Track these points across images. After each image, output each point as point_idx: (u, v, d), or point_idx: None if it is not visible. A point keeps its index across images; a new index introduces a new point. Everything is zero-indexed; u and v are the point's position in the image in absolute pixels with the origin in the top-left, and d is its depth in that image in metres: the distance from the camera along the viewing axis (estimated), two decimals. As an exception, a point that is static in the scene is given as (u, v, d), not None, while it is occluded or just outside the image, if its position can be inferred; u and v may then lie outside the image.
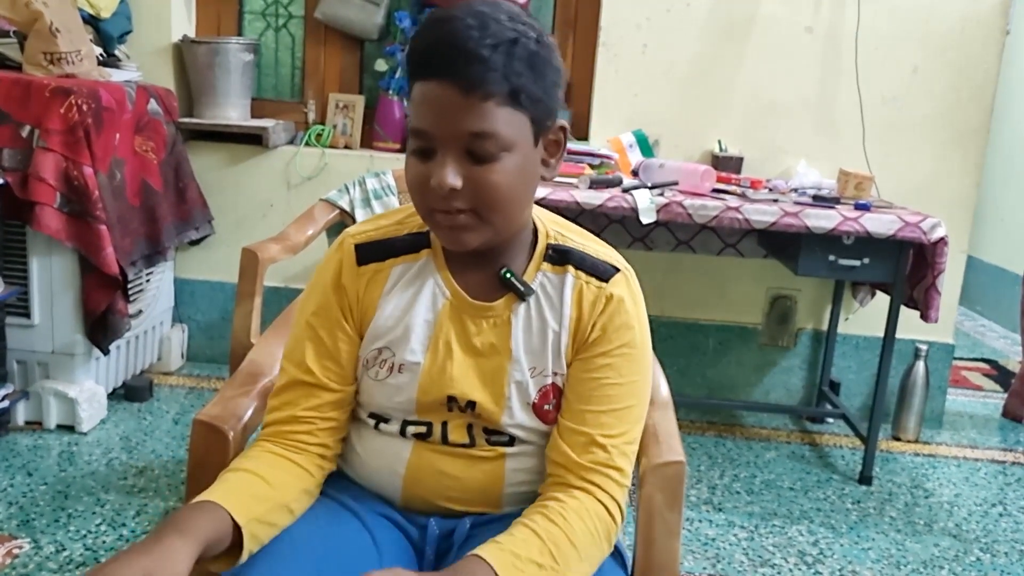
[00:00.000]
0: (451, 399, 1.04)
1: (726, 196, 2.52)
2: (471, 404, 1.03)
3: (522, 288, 1.03)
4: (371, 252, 1.05)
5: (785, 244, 2.63)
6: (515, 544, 0.90)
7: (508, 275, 1.03)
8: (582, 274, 1.04)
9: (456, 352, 1.03)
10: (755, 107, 2.97)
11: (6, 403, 2.46)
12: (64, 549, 1.97)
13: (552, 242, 1.06)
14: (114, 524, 2.09)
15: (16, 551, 1.95)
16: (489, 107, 0.90)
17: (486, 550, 0.88)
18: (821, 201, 2.51)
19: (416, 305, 1.04)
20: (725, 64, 2.95)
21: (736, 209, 2.41)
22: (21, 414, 2.57)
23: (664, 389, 1.24)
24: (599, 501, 0.98)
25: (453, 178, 0.91)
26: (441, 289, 1.04)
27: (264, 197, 3.09)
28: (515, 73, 0.90)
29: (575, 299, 1.03)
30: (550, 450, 1.02)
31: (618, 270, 1.05)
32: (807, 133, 2.97)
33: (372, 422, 1.09)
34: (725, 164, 2.87)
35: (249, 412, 1.10)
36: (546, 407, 1.03)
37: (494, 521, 1.05)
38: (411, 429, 1.06)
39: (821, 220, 2.40)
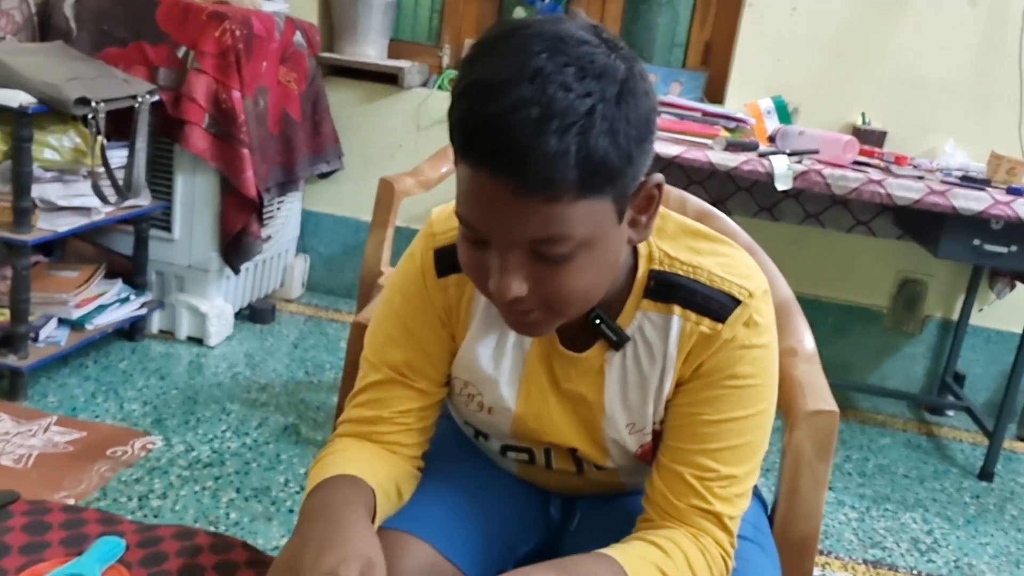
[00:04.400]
0: (550, 444, 0.94)
1: (868, 169, 2.42)
2: (572, 450, 0.94)
3: (614, 337, 0.84)
4: (451, 260, 0.86)
5: (925, 225, 2.52)
6: (638, 549, 0.81)
7: (598, 321, 0.84)
8: (691, 314, 0.83)
9: (550, 398, 0.90)
10: (904, 81, 2.83)
11: (144, 311, 2.60)
12: (193, 449, 2.08)
13: (656, 268, 0.84)
14: (238, 432, 2.19)
15: (150, 446, 2.07)
16: (557, 209, 0.68)
17: (612, 550, 0.80)
18: (970, 182, 2.39)
19: (505, 343, 0.89)
20: (877, 33, 2.82)
21: (879, 183, 2.32)
22: (156, 323, 2.71)
23: (808, 342, 1.21)
24: (707, 542, 0.84)
25: (517, 287, 0.72)
26: None
27: (394, 137, 3.14)
28: (591, 153, 0.66)
29: (681, 345, 0.84)
30: (647, 486, 0.88)
31: (738, 302, 0.82)
32: (958, 112, 2.82)
33: (471, 431, 1.01)
34: (867, 138, 2.76)
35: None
36: (650, 454, 0.90)
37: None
38: (512, 454, 0.99)
39: (970, 201, 2.28)
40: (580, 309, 0.77)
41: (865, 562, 2.00)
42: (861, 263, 2.97)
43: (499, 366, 0.90)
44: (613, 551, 0.80)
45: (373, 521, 0.81)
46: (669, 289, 0.84)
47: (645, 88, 0.70)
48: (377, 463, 0.87)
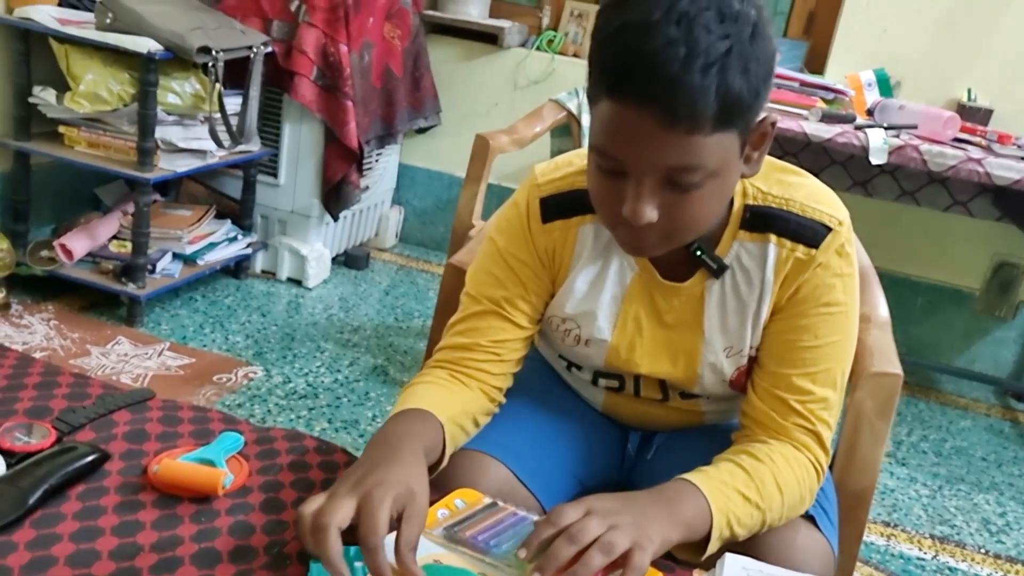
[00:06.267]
0: (640, 373, 1.01)
1: (968, 147, 2.38)
2: (661, 381, 1.01)
3: (714, 265, 0.92)
4: (556, 207, 0.97)
5: (1025, 206, 2.47)
6: (721, 473, 0.87)
7: (699, 252, 0.92)
8: (786, 241, 0.90)
9: (645, 329, 0.98)
10: (1016, 58, 2.75)
11: (249, 251, 2.76)
12: (290, 381, 2.23)
13: (751, 203, 0.92)
14: (331, 369, 2.33)
15: (251, 375, 2.22)
16: (696, 139, 0.76)
17: (692, 475, 0.86)
18: (1076, 164, 2.32)
19: (605, 280, 0.97)
20: (989, 7, 2.74)
21: (978, 161, 2.28)
22: (259, 263, 2.87)
23: (883, 310, 1.24)
24: (805, 457, 0.92)
25: (650, 212, 0.80)
26: (629, 262, 0.96)
27: (490, 95, 3.21)
28: (727, 90, 0.74)
29: (778, 271, 0.91)
30: (746, 405, 0.96)
31: (830, 229, 0.90)
32: (1072, 92, 2.73)
33: (563, 363, 1.08)
34: (971, 115, 2.69)
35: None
36: (743, 380, 0.97)
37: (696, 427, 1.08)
38: (603, 381, 1.06)
39: (1073, 184, 2.22)
40: (693, 235, 0.86)
41: (932, 537, 2.02)
42: (955, 244, 2.92)
43: (598, 300, 0.98)
44: (695, 476, 0.86)
45: (443, 453, 0.88)
46: (764, 220, 0.91)
47: (769, 32, 0.79)
48: (454, 399, 0.94)
